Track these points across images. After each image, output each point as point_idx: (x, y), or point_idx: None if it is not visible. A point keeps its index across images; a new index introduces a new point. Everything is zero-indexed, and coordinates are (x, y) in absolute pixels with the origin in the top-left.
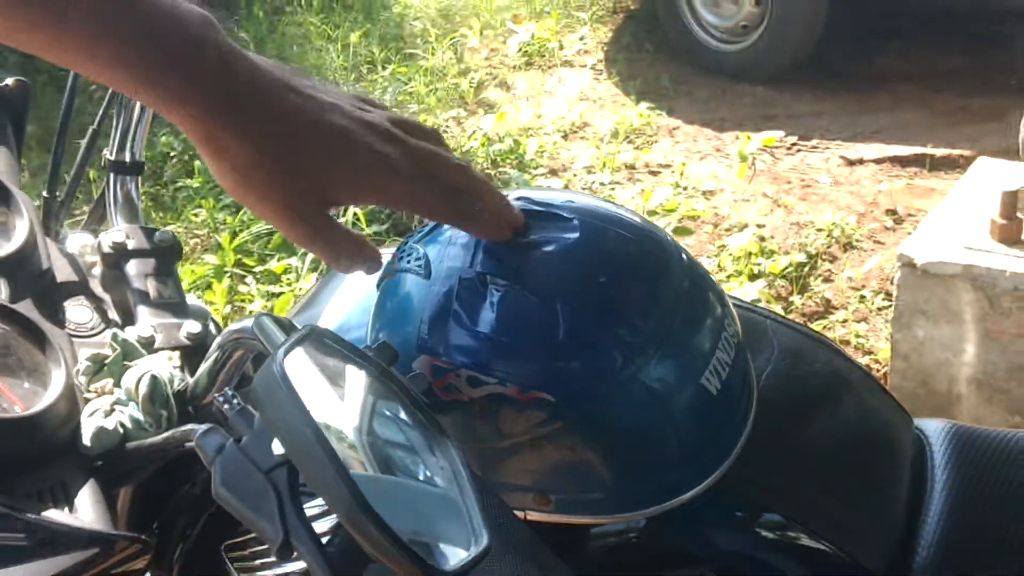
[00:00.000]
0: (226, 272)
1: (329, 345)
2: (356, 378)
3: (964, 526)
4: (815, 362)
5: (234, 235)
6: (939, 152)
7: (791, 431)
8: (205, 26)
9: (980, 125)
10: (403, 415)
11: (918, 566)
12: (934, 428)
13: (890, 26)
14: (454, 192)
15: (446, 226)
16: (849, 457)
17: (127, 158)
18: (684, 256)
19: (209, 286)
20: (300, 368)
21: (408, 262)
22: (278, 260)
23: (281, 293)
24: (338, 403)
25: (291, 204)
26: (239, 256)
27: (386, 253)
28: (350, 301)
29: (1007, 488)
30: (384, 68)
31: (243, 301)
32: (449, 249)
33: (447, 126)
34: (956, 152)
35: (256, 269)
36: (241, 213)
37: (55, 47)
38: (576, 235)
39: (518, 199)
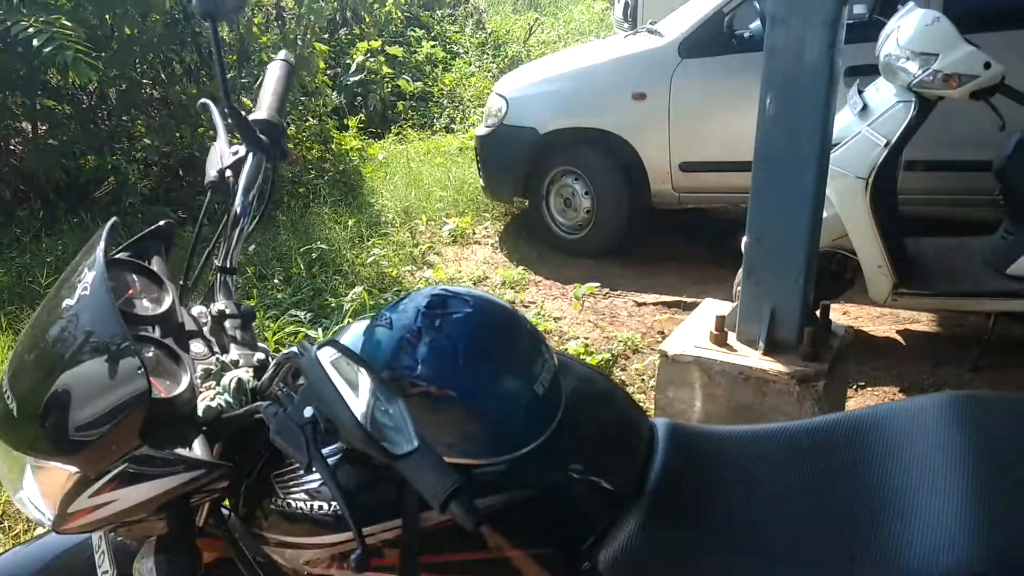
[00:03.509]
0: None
1: (340, 348)
2: (355, 367)
3: (676, 472)
4: (596, 383)
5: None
6: (689, 299)
7: (581, 419)
8: None
9: (713, 284)
10: (376, 388)
11: (647, 492)
12: (660, 423)
13: (663, 227)
14: None
15: (405, 299)
16: (613, 433)
17: (227, 265)
18: (527, 323)
19: (266, 338)
20: (324, 357)
21: (381, 320)
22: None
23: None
24: (345, 376)
25: None
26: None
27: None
28: (349, 339)
29: (708, 466)
30: (368, 240)
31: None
32: (402, 314)
33: (404, 275)
34: (698, 300)
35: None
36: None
37: None
38: (470, 309)
39: (441, 289)
